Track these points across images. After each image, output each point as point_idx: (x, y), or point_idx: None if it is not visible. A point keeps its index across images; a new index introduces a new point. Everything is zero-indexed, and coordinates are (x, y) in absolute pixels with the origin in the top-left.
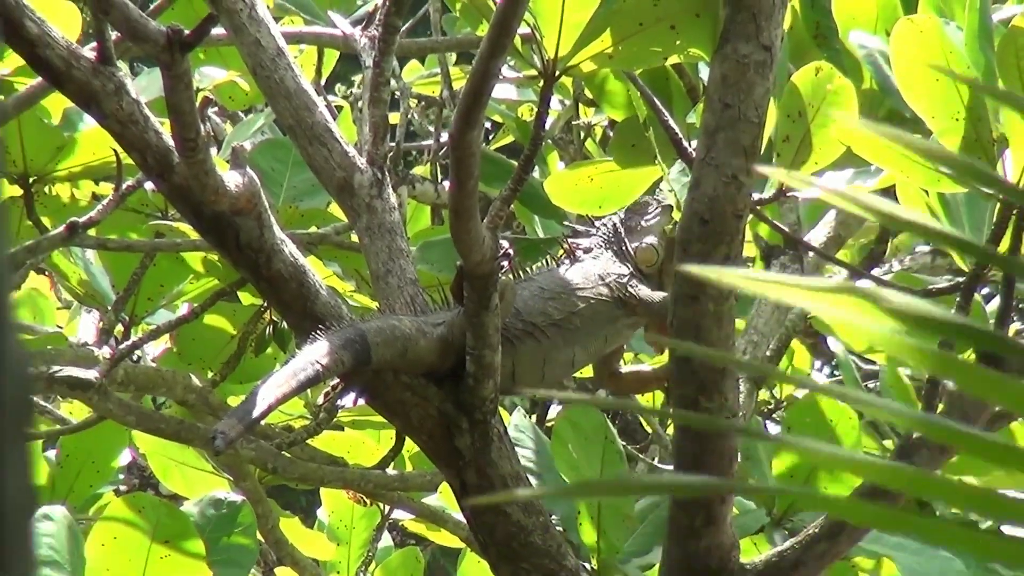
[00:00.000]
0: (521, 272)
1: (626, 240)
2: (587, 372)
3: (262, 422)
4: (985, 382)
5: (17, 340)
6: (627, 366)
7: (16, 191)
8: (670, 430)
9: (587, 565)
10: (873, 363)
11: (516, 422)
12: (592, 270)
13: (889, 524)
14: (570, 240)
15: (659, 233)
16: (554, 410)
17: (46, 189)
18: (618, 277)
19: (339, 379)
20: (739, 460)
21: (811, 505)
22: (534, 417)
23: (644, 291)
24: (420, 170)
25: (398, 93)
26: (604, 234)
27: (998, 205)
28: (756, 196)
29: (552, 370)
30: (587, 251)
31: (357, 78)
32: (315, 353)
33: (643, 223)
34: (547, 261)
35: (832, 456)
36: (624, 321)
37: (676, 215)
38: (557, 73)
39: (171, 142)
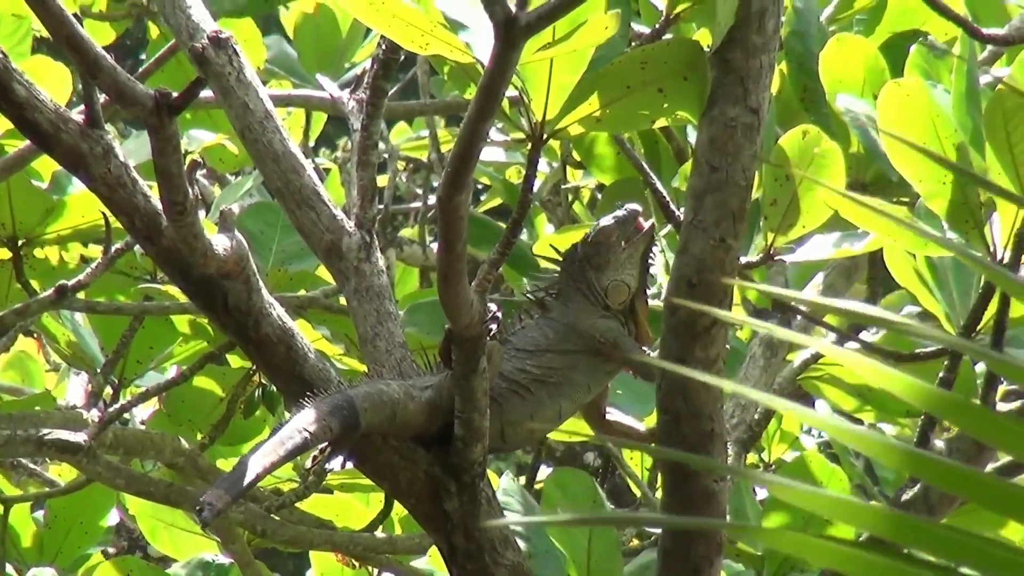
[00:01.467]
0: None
1: (593, 279)
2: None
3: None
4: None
5: None
6: (617, 413)
7: (5, 254)
8: (659, 493)
9: None
10: (861, 423)
11: (504, 485)
12: (563, 320)
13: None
14: (534, 292)
15: (632, 262)
16: (543, 472)
17: (35, 252)
18: (589, 326)
19: (328, 443)
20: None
21: (802, 551)
22: (522, 479)
23: (619, 339)
24: (408, 232)
25: (386, 156)
26: (570, 274)
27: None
28: (744, 259)
29: (540, 425)
30: (556, 296)
31: (342, 141)
32: (303, 421)
33: (611, 256)
34: (520, 317)
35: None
36: (603, 368)
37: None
38: (545, 136)
39: (159, 205)
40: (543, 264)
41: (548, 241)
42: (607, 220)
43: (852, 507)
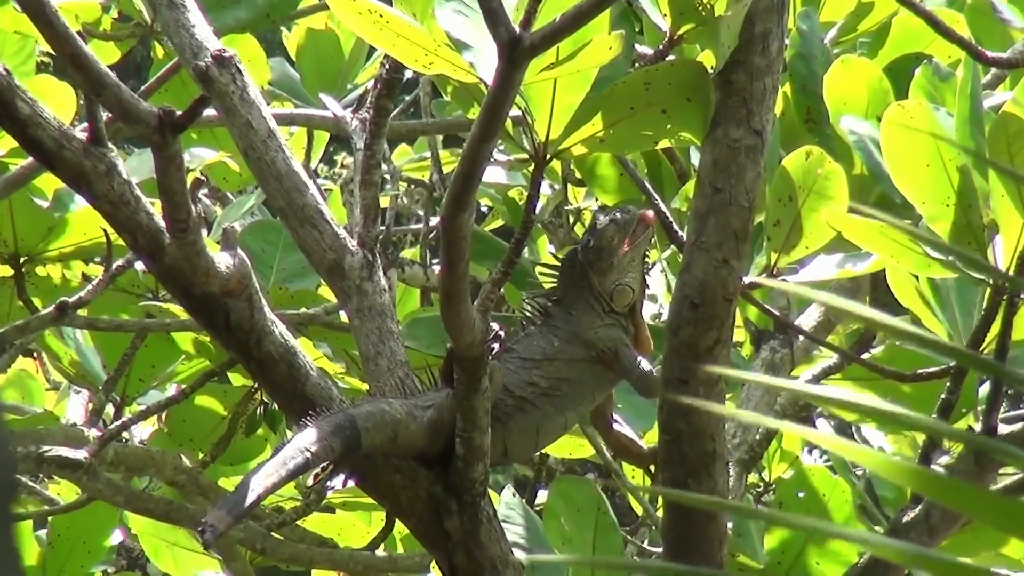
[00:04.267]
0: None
1: (596, 283)
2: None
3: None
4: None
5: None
6: (623, 426)
7: (7, 271)
8: (660, 512)
9: None
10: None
11: (506, 500)
12: (568, 328)
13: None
14: (535, 298)
15: (634, 265)
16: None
17: (37, 269)
18: (592, 335)
19: (329, 462)
20: (729, 538)
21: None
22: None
23: (620, 349)
24: (409, 253)
25: (388, 176)
26: (571, 280)
27: (988, 290)
28: (746, 280)
29: (545, 438)
30: (558, 302)
31: (339, 158)
32: (304, 441)
33: (614, 260)
34: (522, 324)
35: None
36: (606, 376)
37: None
38: (548, 156)
39: (162, 223)
40: (540, 273)
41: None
42: (605, 222)
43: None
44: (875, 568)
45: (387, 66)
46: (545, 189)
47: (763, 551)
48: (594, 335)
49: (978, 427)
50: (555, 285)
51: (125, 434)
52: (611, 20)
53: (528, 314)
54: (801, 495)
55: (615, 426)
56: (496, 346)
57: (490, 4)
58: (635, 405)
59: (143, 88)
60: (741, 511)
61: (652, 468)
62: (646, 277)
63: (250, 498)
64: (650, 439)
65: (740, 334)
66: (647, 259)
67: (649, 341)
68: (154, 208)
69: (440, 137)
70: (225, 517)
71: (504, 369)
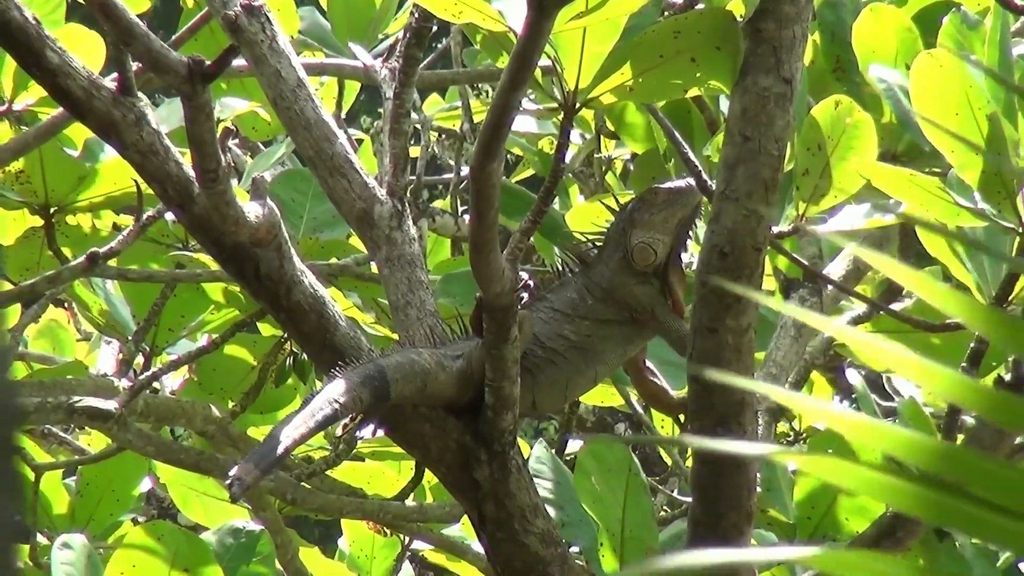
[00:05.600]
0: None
1: (628, 237)
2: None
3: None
4: (1006, 408)
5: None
6: (655, 375)
7: (37, 221)
8: (689, 462)
9: None
10: (892, 400)
11: (537, 454)
12: (602, 283)
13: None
14: (576, 245)
15: (667, 228)
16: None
17: (67, 219)
18: (627, 293)
19: (358, 412)
20: (759, 493)
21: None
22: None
23: (657, 308)
24: (440, 204)
25: (419, 126)
26: (614, 229)
27: (1017, 239)
28: (775, 229)
29: (574, 391)
30: (599, 251)
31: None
32: (334, 392)
33: (649, 216)
34: (558, 272)
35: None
36: (640, 334)
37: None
38: (577, 105)
39: (191, 173)
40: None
41: (581, 211)
42: (665, 182)
43: (885, 482)
44: (903, 519)
45: (416, 15)
46: (576, 138)
47: (792, 505)
48: (628, 294)
49: (1008, 377)
50: (600, 235)
51: (155, 384)
52: None
53: (565, 262)
54: (830, 451)
55: (647, 375)
56: (526, 295)
57: None
58: (665, 365)
59: (173, 38)
60: (769, 455)
61: (682, 418)
62: (683, 246)
63: (278, 450)
64: (681, 390)
65: (769, 283)
66: (689, 229)
67: (683, 308)
68: (183, 158)
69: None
70: (253, 470)
71: (535, 319)
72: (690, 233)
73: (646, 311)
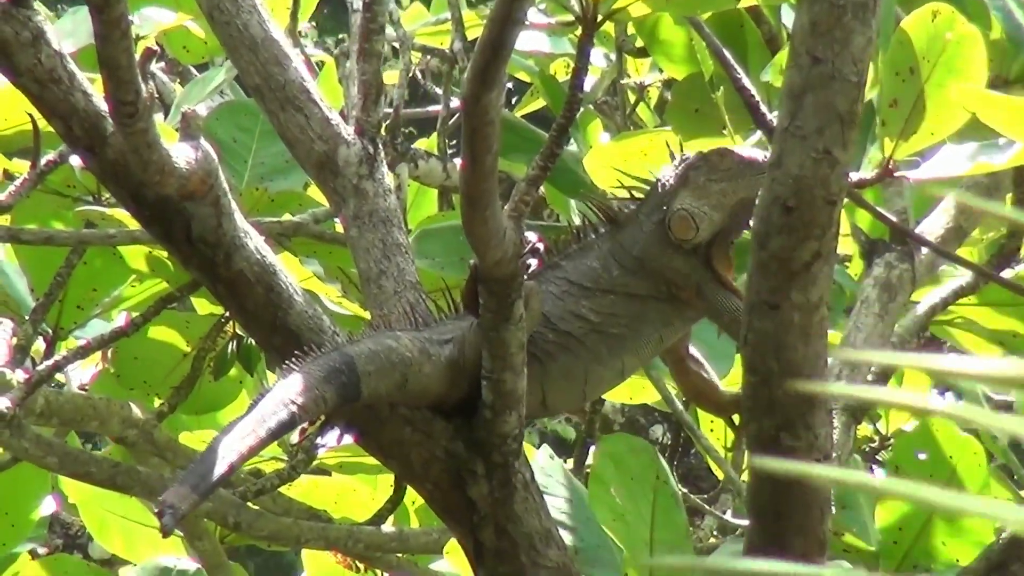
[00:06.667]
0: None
1: (675, 198)
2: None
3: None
4: None
5: None
6: (700, 366)
7: None
8: (745, 476)
9: None
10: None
11: (542, 464)
12: (632, 251)
13: None
14: (598, 201)
15: (723, 203)
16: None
17: None
18: (663, 265)
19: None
20: (833, 512)
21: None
22: (568, 462)
23: (703, 283)
24: (425, 143)
25: (397, 45)
26: (659, 188)
27: None
28: (854, 176)
29: (595, 387)
30: (635, 210)
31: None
32: (289, 390)
33: (706, 180)
34: (576, 234)
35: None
36: (681, 315)
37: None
38: (600, 17)
39: (104, 106)
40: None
41: (603, 153)
42: (743, 148)
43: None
44: (1018, 548)
45: None
46: (598, 60)
47: (875, 528)
48: (666, 266)
49: None
50: (640, 186)
51: (59, 376)
52: None
53: (587, 221)
54: (922, 456)
55: (691, 364)
56: (534, 262)
57: None
58: (709, 344)
59: None
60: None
61: (736, 420)
62: (735, 231)
63: (220, 468)
64: (733, 382)
65: (847, 245)
66: (750, 215)
67: (732, 283)
68: (93, 87)
69: None
70: (189, 494)
71: (546, 293)
72: (750, 221)
73: (689, 286)
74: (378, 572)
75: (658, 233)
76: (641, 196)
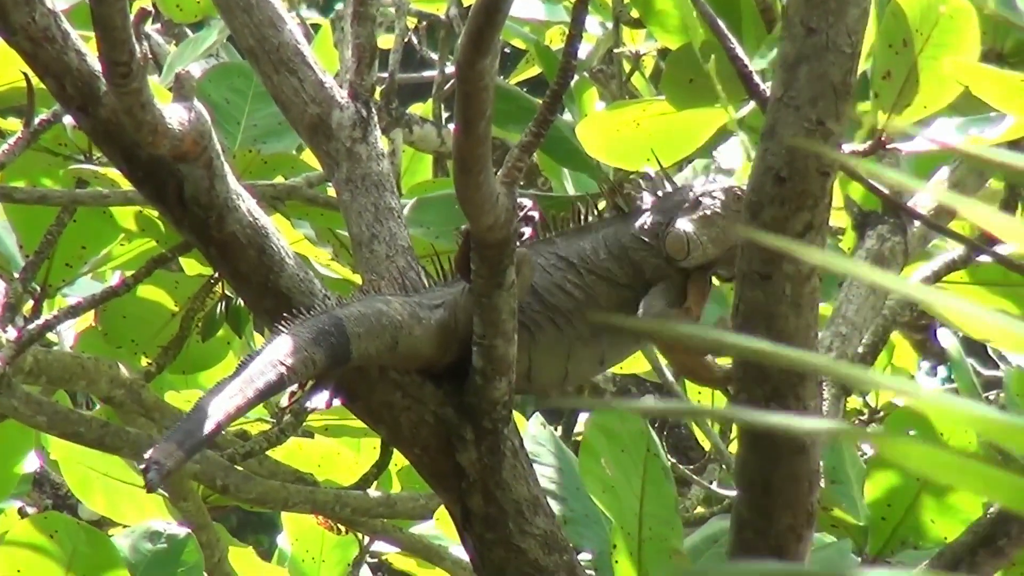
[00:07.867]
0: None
1: (682, 216)
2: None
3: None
4: None
5: None
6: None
7: None
8: (733, 447)
9: None
10: (996, 367)
11: (533, 432)
12: (621, 237)
13: None
14: (622, 189)
15: (722, 241)
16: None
17: None
18: (642, 257)
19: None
20: (822, 486)
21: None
22: (559, 429)
23: (659, 285)
24: (419, 109)
25: (393, 9)
26: (678, 193)
27: None
28: (847, 148)
29: (577, 367)
30: (634, 213)
31: None
32: (278, 351)
33: (719, 214)
34: (576, 210)
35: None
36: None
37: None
38: None
39: (97, 66)
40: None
41: (597, 121)
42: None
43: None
44: (1005, 524)
45: None
46: (594, 28)
47: (863, 502)
48: (646, 260)
49: None
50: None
51: (49, 336)
52: None
53: (589, 205)
54: (912, 433)
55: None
56: (528, 230)
57: None
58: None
59: None
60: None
61: (729, 391)
62: (723, 272)
63: (208, 426)
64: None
65: (839, 217)
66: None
67: (695, 313)
68: (87, 46)
69: None
70: (175, 451)
71: (536, 264)
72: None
73: (658, 280)
74: (360, 536)
75: (653, 232)
76: (662, 195)
